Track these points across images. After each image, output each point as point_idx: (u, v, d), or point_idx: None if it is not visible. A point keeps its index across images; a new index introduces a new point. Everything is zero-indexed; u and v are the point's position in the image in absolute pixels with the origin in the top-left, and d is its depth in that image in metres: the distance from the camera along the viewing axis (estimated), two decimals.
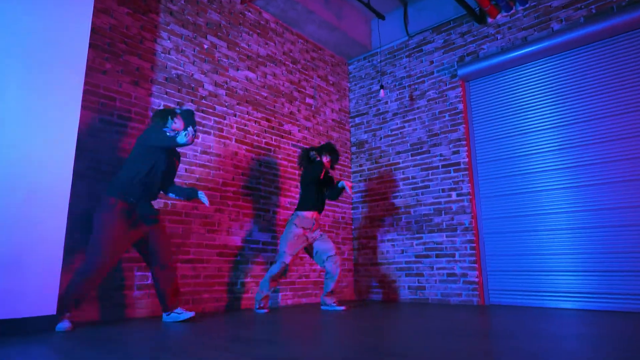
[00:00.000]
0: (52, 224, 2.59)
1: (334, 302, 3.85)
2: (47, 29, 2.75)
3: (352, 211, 5.53)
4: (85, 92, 3.25)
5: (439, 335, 2.29)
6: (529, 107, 4.37)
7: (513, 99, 4.48)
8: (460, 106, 4.74)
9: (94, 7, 3.37)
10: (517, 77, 4.48)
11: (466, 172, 4.57)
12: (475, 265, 4.36)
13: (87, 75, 3.27)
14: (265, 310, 3.65)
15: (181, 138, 2.82)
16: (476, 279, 4.33)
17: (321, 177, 3.81)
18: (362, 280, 5.25)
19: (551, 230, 4.07)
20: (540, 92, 4.32)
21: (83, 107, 3.22)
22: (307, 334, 2.39)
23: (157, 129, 2.90)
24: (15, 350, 1.88)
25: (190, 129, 2.84)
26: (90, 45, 3.34)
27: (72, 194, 3.05)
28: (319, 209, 3.89)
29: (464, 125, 4.68)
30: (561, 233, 4.01)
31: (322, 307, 3.90)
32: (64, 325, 2.51)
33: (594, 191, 3.89)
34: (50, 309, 2.51)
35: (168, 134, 2.85)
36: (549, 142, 4.20)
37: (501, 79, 4.59)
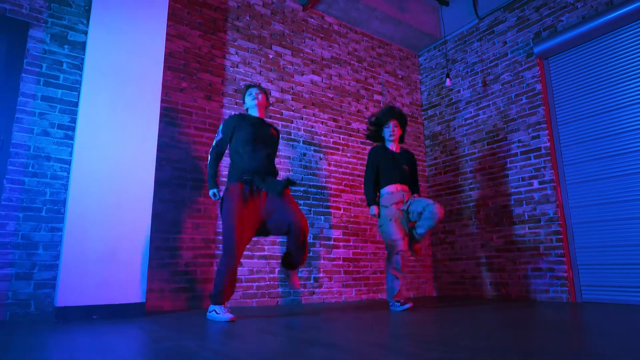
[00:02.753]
0: (138, 224, 3.02)
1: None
2: (128, 61, 3.22)
3: None
4: (166, 109, 3.71)
5: (526, 330, 2.20)
6: (618, 80, 3.87)
7: (599, 72, 4.01)
8: (539, 87, 4.37)
9: (170, 34, 3.83)
10: (603, 47, 4.00)
11: (548, 158, 4.19)
12: (563, 259, 3.98)
13: (167, 94, 3.73)
14: (409, 305, 3.30)
15: None
16: (564, 274, 3.95)
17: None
18: (442, 277, 5.10)
19: None
20: (630, 61, 3.81)
21: (165, 123, 3.68)
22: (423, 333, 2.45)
23: None
24: (112, 329, 2.26)
25: None
26: (168, 68, 3.80)
27: (158, 199, 3.51)
28: (402, 180, 3.51)
29: (543, 107, 4.31)
30: None
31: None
32: (228, 316, 2.61)
33: None
34: (139, 297, 2.93)
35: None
36: None
37: (584, 51, 4.13)
